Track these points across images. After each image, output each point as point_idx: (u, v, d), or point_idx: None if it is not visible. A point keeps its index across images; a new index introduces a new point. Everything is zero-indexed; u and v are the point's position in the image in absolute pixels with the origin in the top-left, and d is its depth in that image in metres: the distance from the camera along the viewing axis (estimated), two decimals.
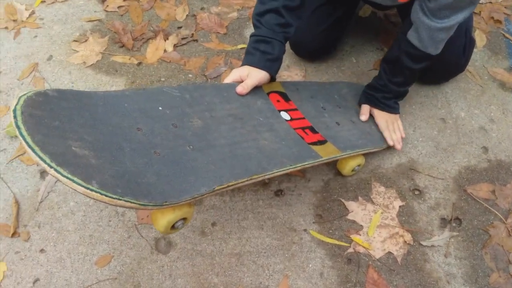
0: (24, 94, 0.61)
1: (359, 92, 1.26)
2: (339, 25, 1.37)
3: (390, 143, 1.17)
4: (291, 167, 0.86)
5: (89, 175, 0.56)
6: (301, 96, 1.10)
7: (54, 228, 1.08)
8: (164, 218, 0.69)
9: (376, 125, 1.20)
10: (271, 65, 1.00)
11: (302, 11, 1.06)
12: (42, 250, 1.05)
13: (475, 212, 1.14)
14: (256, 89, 0.99)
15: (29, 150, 0.55)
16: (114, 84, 1.38)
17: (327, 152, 0.98)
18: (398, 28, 1.56)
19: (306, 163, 0.90)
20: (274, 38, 1.00)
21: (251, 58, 1.00)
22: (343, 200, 1.14)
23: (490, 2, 1.70)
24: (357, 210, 1.13)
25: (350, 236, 1.08)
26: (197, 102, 0.86)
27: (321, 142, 1.00)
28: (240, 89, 0.95)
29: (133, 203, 0.59)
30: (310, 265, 1.04)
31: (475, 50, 1.50)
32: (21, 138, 0.56)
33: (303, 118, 1.04)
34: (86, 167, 0.58)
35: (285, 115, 1.00)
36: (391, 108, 1.20)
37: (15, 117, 0.57)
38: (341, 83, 1.29)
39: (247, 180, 0.78)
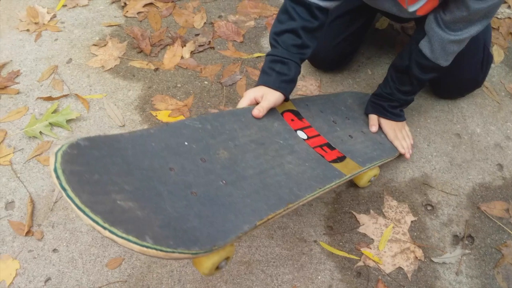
0: (59, 149, 0.60)
1: (364, 101, 1.27)
2: (356, 37, 1.38)
3: (402, 151, 1.18)
4: (320, 190, 0.87)
5: (141, 231, 0.56)
6: (312, 112, 1.11)
7: (68, 229, 1.10)
8: (210, 261, 0.67)
9: (385, 134, 1.20)
10: (286, 86, 1.00)
11: (320, 32, 1.06)
12: (54, 250, 1.06)
13: (488, 230, 1.12)
14: (271, 110, 0.99)
15: (79, 213, 0.54)
16: (131, 88, 1.40)
17: (349, 169, 0.98)
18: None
19: (333, 183, 0.91)
20: (290, 59, 0.99)
21: (267, 78, 0.99)
22: (354, 213, 1.14)
23: (509, 18, 1.69)
24: (368, 223, 1.12)
25: (361, 249, 1.08)
26: (219, 131, 0.87)
27: (341, 159, 1.00)
28: (256, 112, 0.95)
29: (186, 253, 0.58)
30: (319, 277, 1.03)
31: (492, 65, 1.50)
32: (69, 200, 0.54)
33: (319, 135, 1.04)
34: (136, 222, 0.57)
35: (301, 134, 1.00)
36: (398, 116, 1.20)
37: (57, 177, 0.56)
38: (345, 94, 1.30)
39: (284, 211, 0.78)
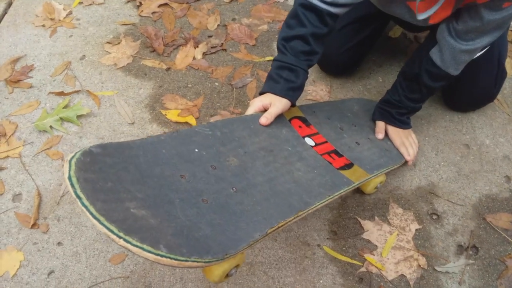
0: (73, 157, 0.60)
1: (370, 107, 1.27)
2: (364, 45, 1.38)
3: (408, 158, 1.18)
4: (329, 197, 0.87)
5: (155, 239, 0.56)
6: (319, 119, 1.11)
7: (73, 223, 1.11)
8: (220, 269, 0.68)
9: (391, 140, 1.21)
10: (293, 93, 0.99)
11: (328, 38, 1.05)
12: (59, 243, 1.07)
13: (493, 241, 1.11)
14: (278, 117, 0.98)
15: (94, 221, 0.54)
16: (142, 87, 1.41)
17: (357, 177, 0.98)
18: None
19: (342, 190, 0.91)
20: (299, 66, 0.98)
21: (274, 85, 0.98)
22: (359, 219, 1.14)
23: None
24: (372, 230, 1.12)
25: (364, 255, 1.07)
26: (229, 138, 0.87)
27: (348, 166, 1.00)
28: (264, 120, 0.94)
29: (200, 262, 0.58)
30: (321, 281, 1.03)
31: None
32: (83, 208, 0.55)
33: (326, 142, 1.04)
34: (150, 230, 0.57)
35: (309, 141, 1.00)
36: (404, 123, 1.20)
37: (72, 185, 0.56)
38: (351, 101, 1.30)
39: (294, 218, 0.78)
